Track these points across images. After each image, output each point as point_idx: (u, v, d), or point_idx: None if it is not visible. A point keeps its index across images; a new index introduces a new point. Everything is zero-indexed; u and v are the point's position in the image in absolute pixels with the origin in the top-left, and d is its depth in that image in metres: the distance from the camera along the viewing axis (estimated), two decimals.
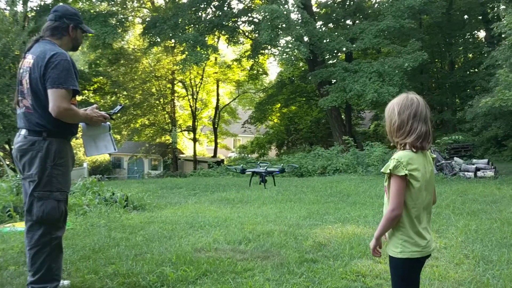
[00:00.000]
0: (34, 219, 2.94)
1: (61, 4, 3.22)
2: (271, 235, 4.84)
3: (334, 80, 19.57)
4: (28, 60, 2.96)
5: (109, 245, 4.44)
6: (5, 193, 6.61)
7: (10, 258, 4.02)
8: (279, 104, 28.19)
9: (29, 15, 20.19)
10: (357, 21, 21.89)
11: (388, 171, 2.03)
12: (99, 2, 21.96)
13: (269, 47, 22.59)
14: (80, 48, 21.94)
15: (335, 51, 19.83)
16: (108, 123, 3.28)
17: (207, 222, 5.65)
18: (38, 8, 21.38)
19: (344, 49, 19.89)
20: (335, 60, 20.48)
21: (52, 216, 2.95)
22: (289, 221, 5.79)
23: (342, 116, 23.30)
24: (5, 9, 16.96)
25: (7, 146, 16.53)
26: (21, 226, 5.43)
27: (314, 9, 23.29)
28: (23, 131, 2.97)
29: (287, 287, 3.23)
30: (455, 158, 13.35)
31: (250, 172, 5.74)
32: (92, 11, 22.00)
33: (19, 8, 17.94)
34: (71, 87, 2.90)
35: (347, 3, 23.18)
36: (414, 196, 2.06)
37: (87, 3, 23.20)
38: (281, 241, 4.52)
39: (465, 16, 24.15)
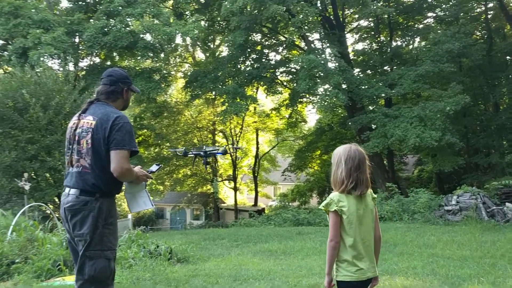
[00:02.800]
0: (85, 278, 2.99)
1: (114, 68, 3.37)
2: None
3: (375, 126, 19.45)
4: (89, 121, 3.08)
5: None
6: (55, 246, 6.82)
7: None
8: (319, 151, 28.12)
9: (80, 74, 21.46)
10: (394, 67, 21.93)
11: (322, 207, 2.50)
12: (143, 59, 23.07)
13: (307, 96, 22.87)
14: None
15: (374, 97, 19.82)
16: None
17: (251, 275, 5.62)
18: (87, 68, 22.72)
19: (383, 94, 19.86)
20: (374, 106, 20.44)
21: (103, 274, 3.01)
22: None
23: (384, 162, 22.94)
24: (58, 69, 18.15)
25: (56, 199, 17.14)
26: (70, 280, 5.57)
27: (351, 56, 23.58)
28: (74, 191, 3.04)
29: None
30: (507, 204, 12.79)
31: (192, 155, 5.47)
32: (137, 68, 23.15)
33: (71, 67, 19.17)
34: (133, 148, 3.08)
35: (384, 49, 23.36)
36: (346, 228, 2.47)
37: (133, 60, 24.44)
38: None
39: (507, 57, 23.76)
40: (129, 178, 3.14)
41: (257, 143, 31.75)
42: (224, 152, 5.15)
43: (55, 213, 14.44)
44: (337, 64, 19.09)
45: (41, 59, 17.31)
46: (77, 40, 20.98)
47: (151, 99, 23.07)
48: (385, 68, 23.11)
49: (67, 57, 18.55)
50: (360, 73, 23.00)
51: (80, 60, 22.48)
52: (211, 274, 5.86)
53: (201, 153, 5.03)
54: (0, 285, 5.79)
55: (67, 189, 3.09)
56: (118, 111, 3.20)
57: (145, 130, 26.74)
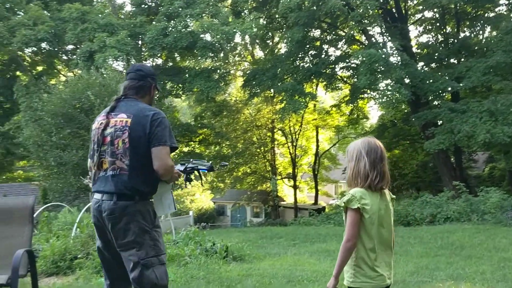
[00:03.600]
0: None
1: (142, 63, 3.32)
2: None
3: (440, 122, 18.51)
4: (122, 119, 2.82)
5: None
6: None
7: None
8: None
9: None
10: (462, 59, 20.75)
11: (343, 204, 2.25)
12: (204, 59, 23.43)
13: (368, 91, 22.21)
14: (186, 102, 23.40)
15: (440, 91, 18.85)
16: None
17: (305, 277, 5.44)
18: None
19: (449, 88, 18.84)
20: (440, 101, 19.45)
21: (164, 281, 2.80)
22: (394, 277, 5.34)
23: (452, 159, 21.80)
24: (122, 71, 18.82)
25: None
26: None
27: (414, 50, 22.62)
28: (110, 196, 2.76)
29: None
30: None
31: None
32: (197, 68, 23.56)
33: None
34: (174, 144, 2.87)
35: (450, 41, 22.19)
36: (367, 228, 2.25)
37: (193, 60, 24.90)
38: None
39: None
40: (170, 175, 2.91)
41: (317, 140, 31.30)
42: (210, 169, 4.58)
43: None
44: (399, 58, 18.37)
45: (106, 61, 18.01)
46: (139, 42, 21.68)
47: (210, 98, 23.39)
48: (452, 60, 21.92)
49: (130, 59, 19.20)
50: (424, 66, 21.99)
51: (143, 61, 23.23)
52: (265, 274, 5.74)
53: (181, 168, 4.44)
54: (63, 279, 6.01)
55: (98, 195, 2.81)
56: (152, 107, 3.01)
57: (205, 129, 27.18)
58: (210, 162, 4.26)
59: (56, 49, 24.22)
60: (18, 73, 25.33)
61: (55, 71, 26.55)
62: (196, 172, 4.03)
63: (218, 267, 6.33)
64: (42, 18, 20.46)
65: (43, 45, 22.49)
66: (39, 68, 26.18)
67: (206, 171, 4.43)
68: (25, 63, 24.76)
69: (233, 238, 10.11)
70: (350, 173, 2.35)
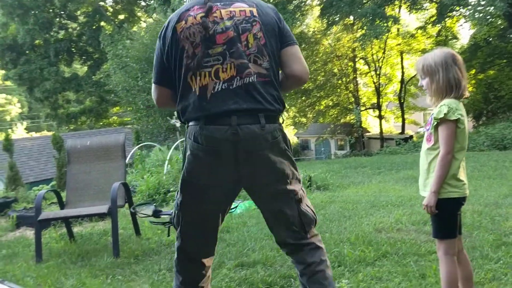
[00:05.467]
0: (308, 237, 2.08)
1: None
2: (463, 215, 4.34)
3: None
4: (243, 9, 1.99)
5: None
6: None
7: None
8: (474, 70, 25.24)
9: None
10: None
11: (442, 116, 2.16)
12: None
13: (457, 8, 20.37)
14: None
15: None
16: None
17: (390, 202, 5.38)
18: None
19: None
20: None
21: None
22: (486, 199, 5.12)
23: None
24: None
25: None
26: None
27: None
28: (248, 118, 1.89)
29: (479, 273, 2.84)
30: None
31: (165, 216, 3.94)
32: (271, 0, 22.98)
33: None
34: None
35: None
36: (460, 140, 2.22)
37: None
38: (474, 222, 4.02)
39: None
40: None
41: (402, 67, 29.71)
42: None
43: None
44: None
45: (181, 2, 18.13)
46: None
47: None
48: None
49: None
50: None
51: None
52: (349, 200, 5.76)
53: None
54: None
55: (226, 119, 1.88)
56: None
57: None
58: (238, 202, 3.46)
59: None
60: (102, 23, 26.47)
61: (136, 18, 27.36)
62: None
63: None
64: None
65: None
66: (121, 17, 27.16)
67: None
68: (107, 13, 25.75)
69: (316, 169, 10.18)
70: (437, 84, 2.25)
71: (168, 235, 4.07)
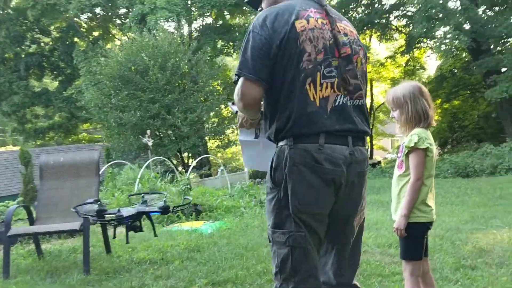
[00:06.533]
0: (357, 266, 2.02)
1: None
2: None
3: (504, 69, 17.49)
4: (351, 30, 1.90)
5: (260, 245, 4.66)
6: (174, 196, 7.41)
7: (176, 253, 4.50)
8: (440, 100, 26.17)
9: (193, 35, 22.36)
10: None
11: (413, 145, 2.31)
12: (253, 16, 23.21)
13: (425, 40, 21.25)
14: (237, 61, 23.81)
15: (504, 36, 17.70)
16: None
17: None
18: (200, 28, 23.54)
19: None
20: (503, 47, 18.31)
21: None
22: (448, 224, 5.35)
23: None
24: (174, 32, 19.10)
25: (178, 154, 18.44)
26: (187, 225, 6.03)
27: None
28: (359, 139, 1.82)
29: None
30: None
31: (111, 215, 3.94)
32: (247, 25, 23.43)
33: (185, 30, 20.05)
34: None
35: None
36: (429, 167, 2.37)
37: (243, 18, 24.73)
38: (435, 245, 4.21)
39: None
40: None
41: (372, 94, 30.58)
42: (165, 211, 3.70)
43: (177, 167, 15.61)
44: (458, 2, 17.34)
45: (158, 23, 18.30)
46: (189, 2, 21.75)
47: None
48: None
49: (181, 19, 19.38)
50: (486, 10, 20.62)
51: (194, 21, 23.36)
52: None
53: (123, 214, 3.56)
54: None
55: (341, 138, 1.74)
56: None
57: None
58: (164, 200, 3.66)
59: (109, 13, 24.85)
60: (76, 39, 26.28)
61: (111, 35, 27.29)
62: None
63: None
64: None
65: (98, 10, 23.17)
66: (95, 33, 27.02)
67: (160, 214, 3.73)
68: (82, 29, 25.62)
69: None
70: (407, 115, 2.40)
71: (114, 237, 4.11)
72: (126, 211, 3.63)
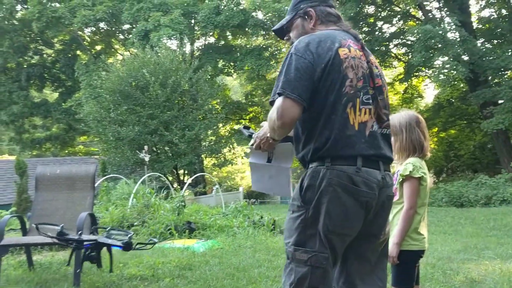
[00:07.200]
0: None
1: None
2: None
3: (501, 101, 17.70)
4: (377, 63, 2.00)
5: (252, 266, 4.65)
6: (168, 212, 7.39)
7: (167, 270, 4.48)
8: (436, 128, 26.39)
9: (195, 54, 22.58)
10: None
11: (408, 173, 2.34)
12: (255, 37, 23.51)
13: (423, 69, 21.52)
14: (238, 81, 23.46)
15: (501, 69, 17.96)
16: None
17: None
18: (202, 47, 23.80)
19: (511, 66, 17.92)
20: (500, 79, 18.55)
21: None
22: (440, 253, 5.36)
23: (511, 141, 20.84)
24: (176, 50, 19.30)
25: (174, 171, 18.43)
26: (179, 243, 6.01)
27: (475, 25, 21.56)
28: (387, 166, 1.91)
29: None
30: None
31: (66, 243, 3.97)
32: (248, 46, 23.71)
33: (187, 48, 20.25)
34: None
35: None
36: (422, 196, 2.41)
37: (245, 39, 25.04)
38: (426, 273, 4.22)
39: None
40: None
41: None
42: (127, 246, 3.63)
43: (172, 184, 15.58)
44: (457, 34, 17.61)
45: (160, 40, 18.50)
46: (192, 21, 22.04)
47: (261, 77, 23.51)
48: None
49: (183, 38, 19.60)
50: (485, 42, 20.97)
51: (196, 40, 23.62)
52: None
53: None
54: None
55: (373, 163, 1.81)
56: None
57: (256, 106, 27.41)
58: (130, 236, 3.66)
59: (113, 28, 25.14)
60: (78, 52, 26.48)
61: (113, 50, 27.52)
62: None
63: (265, 238, 6.56)
64: None
65: (101, 25, 23.42)
66: (98, 47, 27.24)
67: (122, 248, 3.64)
68: (85, 42, 25.84)
69: (281, 213, 10.31)
70: (401, 144, 2.45)
71: (68, 264, 4.28)
72: (87, 237, 3.66)
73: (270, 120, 1.80)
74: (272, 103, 1.80)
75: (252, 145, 2.01)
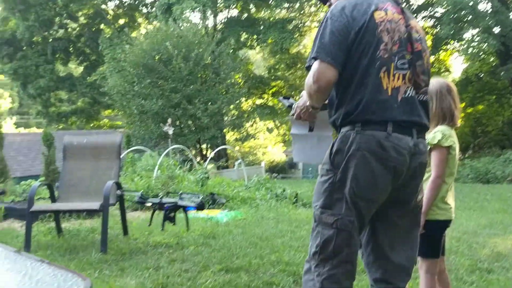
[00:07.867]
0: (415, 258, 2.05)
1: None
2: None
3: None
4: (420, 26, 1.94)
5: (275, 236, 4.69)
6: (191, 184, 7.48)
7: (191, 239, 4.55)
8: (464, 104, 25.77)
9: (218, 27, 22.41)
10: None
11: (436, 142, 2.29)
12: (279, 10, 23.16)
13: (451, 42, 20.92)
14: (261, 54, 23.26)
15: None
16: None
17: None
18: (225, 20, 23.58)
19: None
20: None
21: None
22: (465, 228, 5.30)
23: None
24: (199, 23, 19.19)
25: (197, 145, 18.57)
26: (203, 213, 6.09)
27: None
28: (421, 133, 1.85)
29: None
30: None
31: (150, 204, 4.74)
32: (272, 19, 23.38)
33: (210, 21, 20.09)
34: None
35: None
36: (451, 165, 2.35)
37: (268, 11, 24.68)
38: (451, 246, 4.18)
39: None
40: None
41: None
42: (200, 207, 4.26)
43: (195, 157, 15.71)
44: (489, 4, 17.00)
45: (183, 13, 18.38)
46: None
47: (284, 50, 23.23)
48: None
49: (206, 10, 19.43)
50: None
51: (219, 12, 23.40)
52: None
53: (164, 203, 4.31)
54: (146, 213, 6.56)
55: (405, 129, 1.76)
56: None
57: (279, 81, 27.19)
58: (200, 196, 3.98)
59: (136, 2, 25.07)
60: (102, 26, 26.61)
61: (136, 23, 27.55)
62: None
63: (288, 211, 6.59)
64: None
65: None
66: (121, 21, 27.31)
67: (194, 209, 4.17)
68: (108, 16, 25.92)
69: (303, 187, 10.34)
70: (435, 110, 2.37)
71: (149, 224, 4.66)
72: (167, 200, 4.01)
73: (307, 85, 1.79)
74: (308, 68, 1.78)
75: (293, 115, 2.00)
